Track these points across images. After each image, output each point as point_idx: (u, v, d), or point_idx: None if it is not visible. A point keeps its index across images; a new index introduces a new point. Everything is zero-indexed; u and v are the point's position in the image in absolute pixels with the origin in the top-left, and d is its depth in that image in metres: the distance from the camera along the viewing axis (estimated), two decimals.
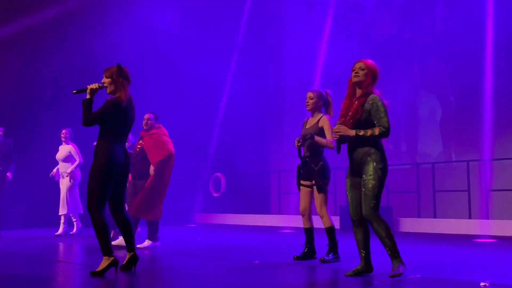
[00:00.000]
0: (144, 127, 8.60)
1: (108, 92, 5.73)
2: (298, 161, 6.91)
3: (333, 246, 6.62)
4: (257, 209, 15.61)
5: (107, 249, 5.52)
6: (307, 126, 6.86)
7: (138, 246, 8.26)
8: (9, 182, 10.81)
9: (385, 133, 5.12)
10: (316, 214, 6.76)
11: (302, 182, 6.84)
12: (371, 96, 5.22)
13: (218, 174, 15.44)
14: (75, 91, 5.77)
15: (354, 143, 5.27)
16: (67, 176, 10.93)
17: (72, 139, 11.17)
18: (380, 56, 14.28)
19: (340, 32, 14.80)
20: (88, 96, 5.67)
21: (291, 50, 16.49)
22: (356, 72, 5.33)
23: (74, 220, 11.09)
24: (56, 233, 10.89)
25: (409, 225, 11.84)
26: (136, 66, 13.49)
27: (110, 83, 5.71)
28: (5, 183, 10.74)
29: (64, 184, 10.96)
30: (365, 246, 5.37)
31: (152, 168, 8.26)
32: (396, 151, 13.96)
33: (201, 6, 15.78)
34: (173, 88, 15.49)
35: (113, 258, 5.52)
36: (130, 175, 8.64)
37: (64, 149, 11.09)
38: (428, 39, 13.56)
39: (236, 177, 15.62)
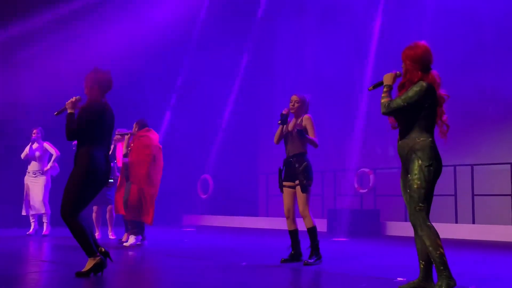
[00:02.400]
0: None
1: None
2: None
3: (315, 247, 6.65)
4: (245, 211, 15.61)
5: (91, 251, 5.47)
6: (289, 128, 6.84)
7: (124, 244, 8.38)
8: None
9: (388, 105, 4.60)
10: (299, 216, 6.78)
11: (284, 183, 6.85)
12: (418, 83, 4.59)
13: (206, 175, 15.39)
14: (57, 113, 5.84)
15: (400, 137, 4.71)
16: (42, 175, 10.79)
17: (43, 138, 10.97)
18: (375, 56, 14.29)
19: (331, 34, 14.81)
20: (69, 111, 5.67)
21: (282, 53, 16.49)
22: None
23: (45, 221, 10.80)
24: (27, 233, 10.77)
25: (396, 228, 11.85)
26: (127, 65, 13.46)
27: (87, 88, 5.71)
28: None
29: (40, 183, 10.76)
30: (425, 256, 4.67)
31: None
32: (383, 154, 13.98)
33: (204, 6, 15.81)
34: (165, 90, 15.45)
35: (98, 258, 5.47)
36: (124, 177, 8.89)
37: (38, 147, 10.87)
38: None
39: (224, 179, 15.61)
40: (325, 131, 15.04)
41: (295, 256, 6.77)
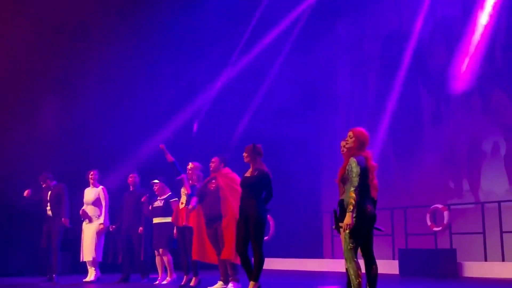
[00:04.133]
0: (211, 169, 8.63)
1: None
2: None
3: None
4: (309, 253, 14.80)
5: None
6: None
7: None
8: (65, 228, 10.30)
9: (355, 191, 5.60)
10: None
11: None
12: (351, 159, 5.81)
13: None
14: None
15: (340, 195, 5.96)
16: (97, 219, 10.37)
17: (99, 181, 10.64)
18: (436, 88, 13.52)
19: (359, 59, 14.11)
20: None
21: (343, 86, 15.82)
22: (346, 140, 6.04)
23: (94, 267, 10.30)
24: (85, 279, 10.23)
25: (475, 269, 10.87)
26: None
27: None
28: (59, 229, 10.16)
29: (93, 228, 10.35)
30: (372, 279, 5.81)
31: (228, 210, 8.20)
32: (457, 189, 13.00)
33: None
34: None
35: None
36: (203, 219, 8.55)
37: (93, 192, 10.53)
38: (488, 69, 12.72)
39: (285, 219, 14.88)
40: (392, 165, 14.22)
41: None
